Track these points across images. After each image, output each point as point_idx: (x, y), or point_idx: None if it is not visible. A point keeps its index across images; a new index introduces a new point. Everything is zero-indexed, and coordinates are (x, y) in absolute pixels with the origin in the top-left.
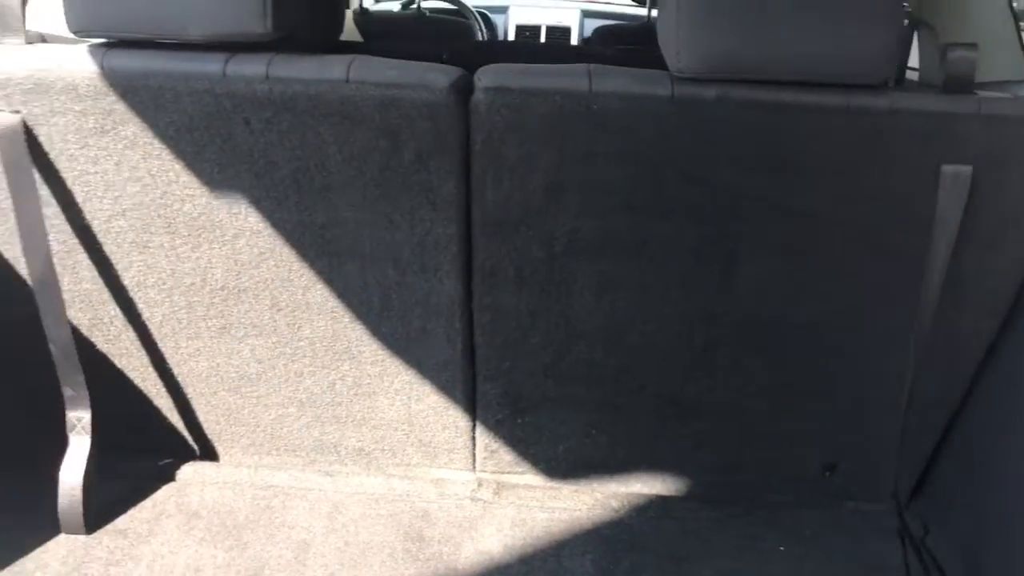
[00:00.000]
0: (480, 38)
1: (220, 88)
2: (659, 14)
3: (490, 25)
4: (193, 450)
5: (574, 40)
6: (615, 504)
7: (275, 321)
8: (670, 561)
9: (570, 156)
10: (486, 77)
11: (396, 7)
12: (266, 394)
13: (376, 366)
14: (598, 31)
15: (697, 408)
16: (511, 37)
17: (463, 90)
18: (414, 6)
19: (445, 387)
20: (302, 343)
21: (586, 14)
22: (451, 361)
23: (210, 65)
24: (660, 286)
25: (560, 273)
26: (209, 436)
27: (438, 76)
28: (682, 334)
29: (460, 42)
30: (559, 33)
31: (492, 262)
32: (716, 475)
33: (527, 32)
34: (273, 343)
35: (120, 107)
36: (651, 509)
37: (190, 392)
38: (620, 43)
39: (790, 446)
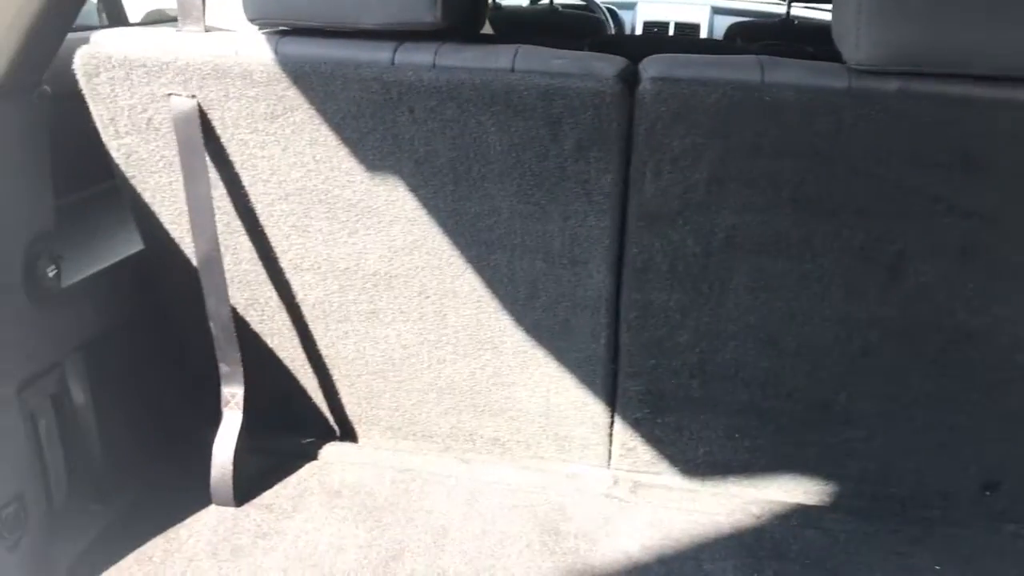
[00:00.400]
0: (609, 33)
1: (388, 76)
2: (835, 5)
3: (618, 20)
4: (334, 431)
5: (703, 36)
6: (755, 510)
7: (422, 308)
8: (818, 572)
9: (736, 148)
10: (653, 67)
11: (526, 2)
12: (408, 379)
13: (517, 357)
14: (732, 28)
15: (848, 415)
16: (638, 32)
17: (628, 80)
18: (544, 1)
19: (585, 382)
20: (446, 331)
21: (716, 11)
22: (593, 356)
23: (380, 53)
24: (820, 286)
25: (716, 270)
26: (350, 418)
27: (605, 65)
28: (840, 337)
29: (597, 35)
30: (688, 29)
31: (645, 256)
32: (865, 486)
33: (655, 28)
34: (419, 329)
35: (291, 93)
36: (794, 518)
37: (335, 374)
38: (755, 39)
39: (947, 460)
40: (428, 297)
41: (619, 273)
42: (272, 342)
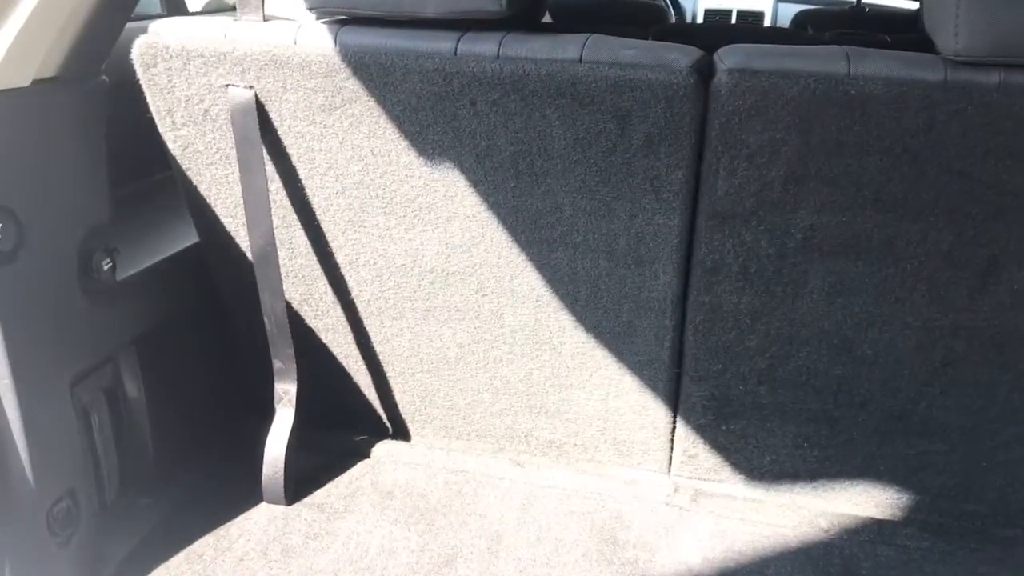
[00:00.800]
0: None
1: (450, 67)
2: None
3: (679, 8)
4: (387, 428)
5: (767, 24)
6: (824, 524)
7: (479, 306)
8: None
9: (818, 145)
10: (730, 58)
11: None
12: (463, 378)
13: (576, 359)
14: (800, 15)
15: (927, 427)
16: (699, 21)
17: (703, 71)
18: None
19: (646, 385)
20: (503, 330)
21: None
22: (656, 359)
23: (442, 43)
24: (903, 292)
25: (790, 272)
26: (403, 416)
27: (679, 56)
28: (922, 345)
29: (659, 23)
30: (751, 17)
31: (715, 257)
32: (942, 501)
33: (717, 16)
34: (475, 328)
35: (350, 84)
36: (865, 533)
37: (389, 371)
38: (826, 28)
39: None
40: (485, 295)
41: (687, 274)
42: (326, 338)
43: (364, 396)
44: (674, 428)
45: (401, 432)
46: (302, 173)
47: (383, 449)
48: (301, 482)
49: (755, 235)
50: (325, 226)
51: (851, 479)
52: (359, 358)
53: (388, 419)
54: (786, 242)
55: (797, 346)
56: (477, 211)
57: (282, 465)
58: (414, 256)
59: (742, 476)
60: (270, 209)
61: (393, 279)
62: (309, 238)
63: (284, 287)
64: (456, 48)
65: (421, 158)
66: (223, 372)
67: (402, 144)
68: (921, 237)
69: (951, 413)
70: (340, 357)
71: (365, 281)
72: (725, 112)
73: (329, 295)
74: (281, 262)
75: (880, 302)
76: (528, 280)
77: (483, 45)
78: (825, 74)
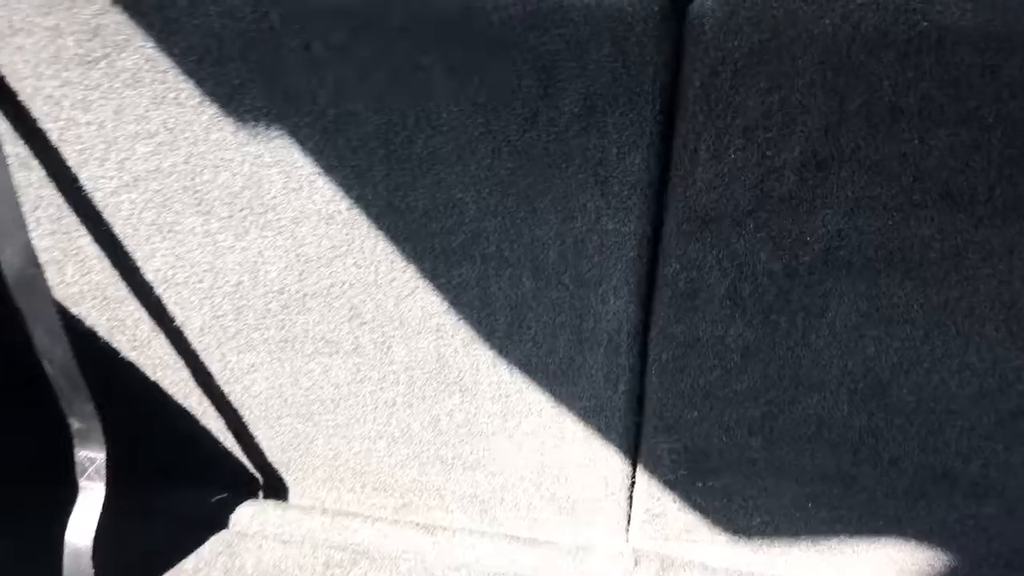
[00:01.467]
0: None
1: None
2: None
3: None
4: (254, 481)
5: None
6: None
7: (356, 337)
8: None
9: (857, 111)
10: None
11: None
12: (346, 424)
13: (498, 403)
14: None
15: (978, 488)
16: None
17: None
18: None
19: (595, 435)
20: (393, 367)
21: None
22: (608, 404)
23: None
24: (970, 323)
25: (803, 296)
26: (274, 466)
27: None
28: (986, 392)
29: None
30: None
31: (691, 275)
32: (987, 570)
33: None
34: (353, 364)
35: (111, 22)
36: None
37: (246, 415)
38: None
39: None
40: (364, 324)
41: (649, 298)
42: (155, 375)
43: (216, 445)
44: (633, 484)
45: (273, 487)
46: (70, 158)
47: (246, 515)
48: (125, 573)
49: (752, 245)
50: (119, 230)
51: (870, 544)
52: (203, 399)
53: (255, 469)
54: (799, 255)
55: (806, 390)
56: (335, 210)
57: (88, 561)
58: (252, 272)
59: (724, 539)
60: (21, 213)
61: (229, 302)
62: (102, 247)
63: (82, 311)
64: None
65: (239, 134)
66: (8, 441)
67: (207, 113)
68: (1006, 249)
69: (1014, 472)
70: (179, 398)
71: (190, 304)
72: (711, 60)
73: (146, 321)
74: (70, 279)
75: (932, 336)
76: (421, 305)
77: None
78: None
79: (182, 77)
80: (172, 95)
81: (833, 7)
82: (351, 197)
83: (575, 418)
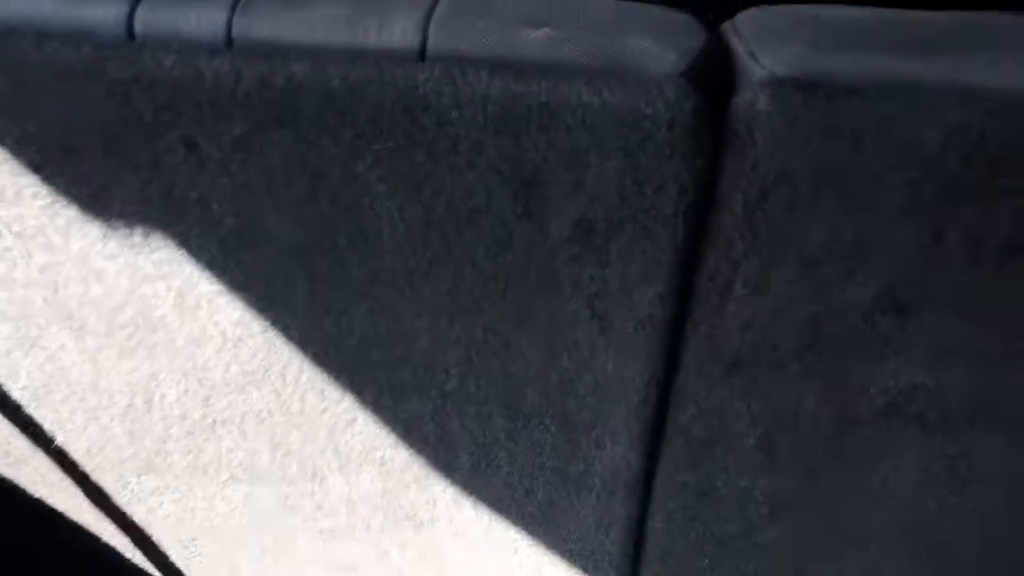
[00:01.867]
0: None
1: (121, 67)
2: None
3: None
4: None
5: None
6: None
7: (281, 466)
8: None
9: (959, 245)
10: (771, 47)
11: None
12: (278, 550)
13: (459, 539)
14: None
15: None
16: None
17: (707, 76)
18: None
19: None
20: (329, 497)
21: None
22: (598, 550)
23: (101, 10)
24: None
25: (856, 448)
26: None
27: (650, 44)
28: None
29: None
30: None
31: (711, 423)
32: None
33: None
34: (281, 493)
35: None
36: None
37: (157, 537)
38: None
39: None
40: (290, 454)
41: (656, 444)
42: (41, 493)
43: (123, 562)
44: None
45: None
46: None
47: None
48: None
49: (794, 390)
50: None
51: None
52: (102, 519)
53: None
54: (857, 406)
55: (847, 547)
56: (245, 334)
57: None
58: (146, 396)
59: None
60: None
61: (120, 424)
62: None
63: None
64: (130, 18)
65: (107, 243)
66: None
67: (66, 213)
68: None
69: None
70: (71, 514)
71: (72, 423)
72: (760, 178)
73: (19, 440)
74: None
75: (1017, 490)
76: (362, 438)
77: (193, 12)
78: (1003, 91)
79: (29, 168)
80: (19, 191)
81: (946, 116)
82: (265, 320)
83: (560, 559)
